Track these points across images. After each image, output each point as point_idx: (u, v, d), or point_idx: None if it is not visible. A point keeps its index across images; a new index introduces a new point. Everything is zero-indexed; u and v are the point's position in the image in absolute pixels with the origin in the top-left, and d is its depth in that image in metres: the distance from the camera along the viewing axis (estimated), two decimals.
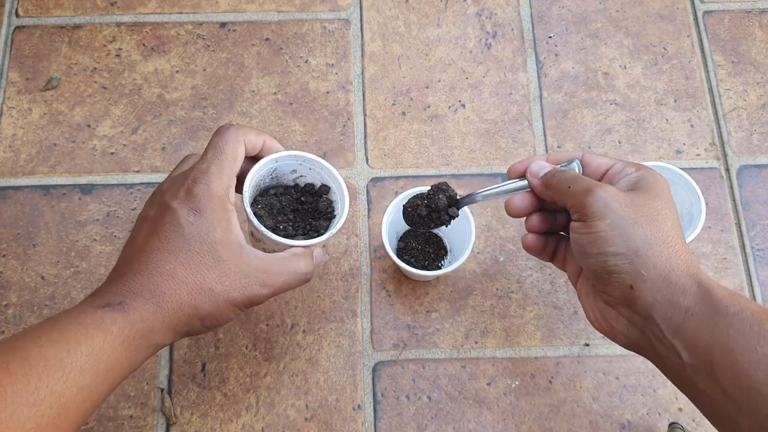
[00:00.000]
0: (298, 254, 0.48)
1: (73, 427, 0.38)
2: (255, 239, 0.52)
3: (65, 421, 0.37)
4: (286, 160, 0.52)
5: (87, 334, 0.39)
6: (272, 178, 0.54)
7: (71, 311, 0.41)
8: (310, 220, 0.54)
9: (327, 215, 0.54)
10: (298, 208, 0.55)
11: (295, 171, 0.55)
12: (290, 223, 0.54)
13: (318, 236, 0.52)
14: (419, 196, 0.56)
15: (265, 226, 0.50)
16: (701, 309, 0.40)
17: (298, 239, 0.51)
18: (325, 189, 0.55)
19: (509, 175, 0.52)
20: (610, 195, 0.44)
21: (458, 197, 0.55)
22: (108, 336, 0.39)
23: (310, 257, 0.49)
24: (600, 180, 0.49)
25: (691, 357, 0.41)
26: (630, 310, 0.43)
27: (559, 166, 0.51)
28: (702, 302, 0.40)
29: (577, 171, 0.50)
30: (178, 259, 0.43)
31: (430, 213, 0.55)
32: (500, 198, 0.53)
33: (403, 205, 0.57)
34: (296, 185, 0.56)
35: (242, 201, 0.49)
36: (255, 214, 0.51)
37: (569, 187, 0.46)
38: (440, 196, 0.54)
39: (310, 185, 0.55)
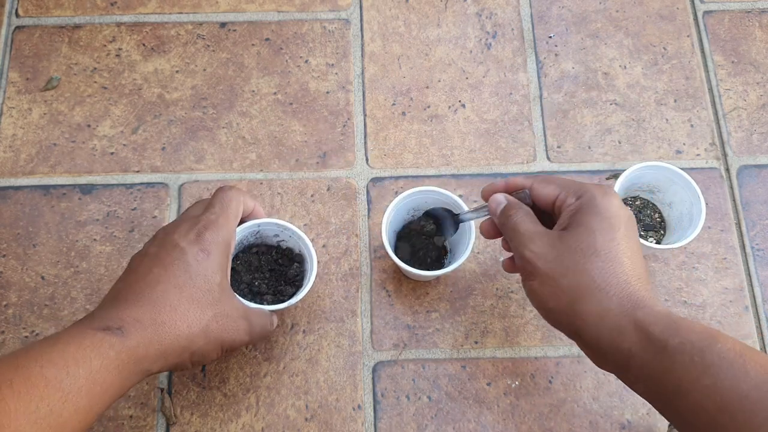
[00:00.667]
0: (263, 313, 0.54)
1: None
2: None
3: None
4: (269, 226, 0.59)
5: (85, 356, 0.40)
6: (256, 237, 0.60)
7: (71, 331, 0.42)
8: (282, 281, 0.60)
9: (295, 283, 0.60)
10: (275, 269, 0.61)
11: (277, 235, 0.60)
12: (265, 281, 0.60)
13: (282, 302, 0.57)
14: (417, 223, 0.63)
15: (242, 281, 0.58)
16: (642, 349, 0.40)
17: (267, 297, 0.58)
18: (299, 258, 0.61)
19: (483, 197, 0.56)
20: (536, 254, 0.45)
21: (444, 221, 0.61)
22: (105, 360, 0.41)
23: (270, 319, 0.55)
24: (551, 210, 0.50)
25: (647, 393, 0.41)
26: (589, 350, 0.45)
27: (513, 194, 0.53)
28: (641, 343, 0.40)
29: (527, 200, 0.52)
30: (182, 293, 0.45)
31: (423, 238, 0.63)
32: (481, 219, 0.57)
33: (409, 226, 0.65)
34: (278, 246, 0.62)
35: None
36: (233, 269, 0.57)
37: (511, 240, 0.49)
38: (429, 225, 0.62)
39: (290, 250, 0.61)
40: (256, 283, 0.59)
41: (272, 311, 0.56)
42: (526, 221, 0.48)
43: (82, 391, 0.39)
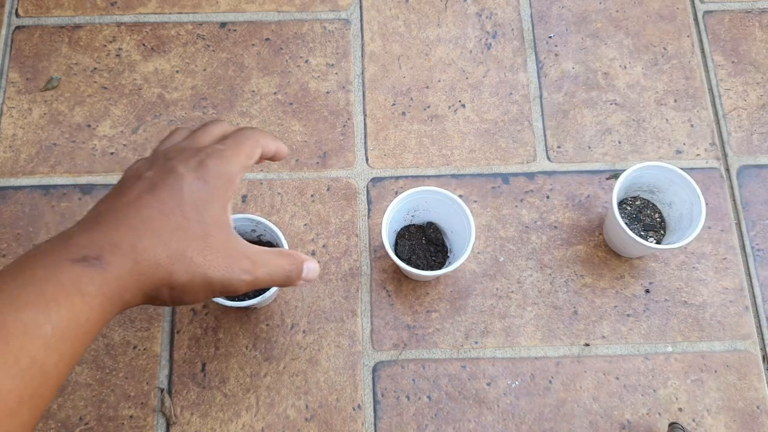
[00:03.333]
0: (283, 253, 0.46)
1: (53, 394, 0.36)
2: None
3: (47, 389, 0.35)
4: (243, 222, 0.60)
5: (66, 296, 0.36)
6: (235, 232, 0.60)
7: (45, 262, 0.37)
8: None
9: None
10: None
11: (254, 230, 0.61)
12: None
13: (254, 297, 0.59)
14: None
15: None
16: None
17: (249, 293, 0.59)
18: None
19: None
20: None
21: None
22: (86, 297, 0.36)
23: (295, 262, 0.47)
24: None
25: None
26: None
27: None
28: None
29: None
30: (167, 220, 0.40)
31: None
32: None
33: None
34: (259, 240, 0.63)
35: None
36: None
37: None
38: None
39: (270, 243, 0.62)
40: None
41: (300, 256, 0.49)
42: None
43: (65, 336, 0.35)
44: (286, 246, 0.59)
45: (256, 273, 0.43)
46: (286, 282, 0.46)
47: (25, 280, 0.36)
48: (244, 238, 0.59)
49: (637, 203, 0.68)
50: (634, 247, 0.63)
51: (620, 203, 0.68)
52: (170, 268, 0.40)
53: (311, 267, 0.47)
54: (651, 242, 0.65)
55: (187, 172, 0.42)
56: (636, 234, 0.64)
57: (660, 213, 0.67)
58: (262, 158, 0.49)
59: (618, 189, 0.62)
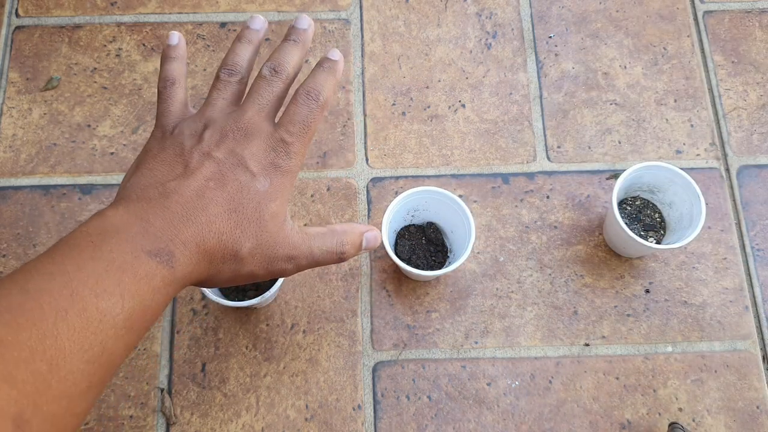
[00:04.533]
0: (330, 233, 0.46)
1: (109, 381, 0.37)
2: None
3: (108, 377, 0.36)
4: None
5: (139, 289, 0.36)
6: None
7: (124, 249, 0.37)
8: None
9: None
10: None
11: None
12: None
13: (254, 297, 0.59)
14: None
15: None
16: None
17: (250, 293, 0.60)
18: None
19: None
20: None
21: None
22: (156, 294, 0.37)
23: (341, 239, 0.46)
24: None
25: None
26: None
27: None
28: None
29: None
30: (229, 218, 0.41)
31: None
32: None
33: None
34: None
35: None
36: None
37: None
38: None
39: None
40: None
41: (356, 228, 0.47)
42: None
43: (132, 327, 0.36)
44: None
45: (299, 263, 0.44)
46: (338, 260, 0.46)
47: (106, 265, 0.36)
48: None
49: (637, 203, 0.68)
50: (633, 247, 0.63)
51: (620, 203, 0.68)
52: (220, 266, 0.41)
53: (369, 237, 0.47)
54: (651, 242, 0.65)
55: (260, 173, 0.42)
56: (636, 234, 0.64)
57: (660, 213, 0.68)
58: None
59: (618, 189, 0.62)
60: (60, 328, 0.32)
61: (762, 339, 0.65)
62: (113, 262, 0.36)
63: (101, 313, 0.34)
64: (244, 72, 0.47)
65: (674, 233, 0.65)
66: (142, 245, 0.38)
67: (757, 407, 0.62)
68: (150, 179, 0.41)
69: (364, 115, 0.73)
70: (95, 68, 0.74)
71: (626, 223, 0.66)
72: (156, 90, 0.73)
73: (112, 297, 0.35)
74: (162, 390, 0.62)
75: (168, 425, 0.61)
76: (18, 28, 0.75)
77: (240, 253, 0.41)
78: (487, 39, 0.76)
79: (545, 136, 0.72)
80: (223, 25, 0.76)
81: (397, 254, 0.65)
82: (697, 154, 0.72)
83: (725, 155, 0.72)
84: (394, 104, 0.73)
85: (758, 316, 0.66)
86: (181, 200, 0.40)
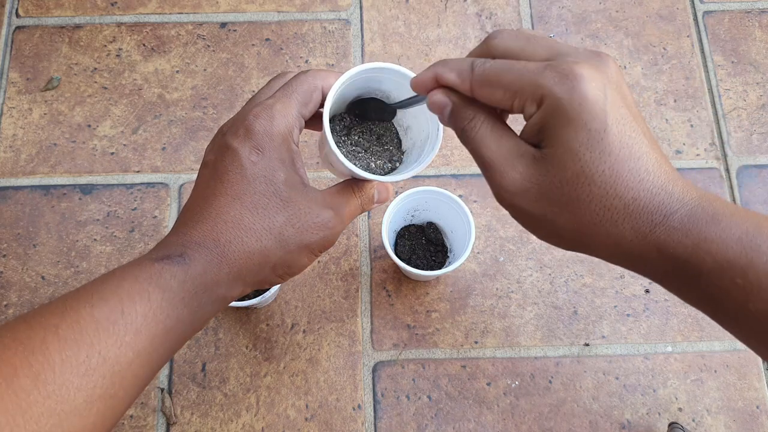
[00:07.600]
0: (350, 190, 0.44)
1: (130, 396, 0.34)
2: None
3: (120, 390, 0.33)
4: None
5: (142, 291, 0.34)
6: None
7: (127, 266, 0.36)
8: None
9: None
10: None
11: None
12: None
13: (254, 297, 0.54)
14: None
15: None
16: (674, 277, 0.33)
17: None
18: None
19: (414, 89, 0.40)
20: (514, 194, 0.37)
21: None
22: (167, 293, 0.35)
23: (360, 194, 0.44)
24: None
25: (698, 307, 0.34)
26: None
27: (407, 100, 0.43)
28: (668, 272, 0.33)
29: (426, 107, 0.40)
30: (243, 204, 0.39)
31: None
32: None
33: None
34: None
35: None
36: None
37: (477, 162, 0.39)
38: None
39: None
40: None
41: (370, 181, 0.44)
42: (489, 141, 0.39)
43: (140, 332, 0.34)
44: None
45: (343, 221, 0.42)
46: (363, 211, 0.44)
47: (104, 278, 0.35)
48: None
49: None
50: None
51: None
52: (263, 250, 0.39)
53: (380, 192, 0.46)
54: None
55: (240, 146, 0.40)
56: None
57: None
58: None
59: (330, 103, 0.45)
60: (49, 342, 0.31)
61: None
62: (113, 274, 0.35)
63: (96, 321, 0.33)
64: None
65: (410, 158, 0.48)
66: (149, 256, 0.37)
67: (757, 407, 0.62)
68: (180, 214, 0.42)
69: None
70: (95, 68, 0.74)
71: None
72: (156, 90, 0.73)
73: (107, 304, 0.33)
74: (162, 390, 0.62)
75: (168, 425, 0.61)
76: (18, 28, 0.75)
77: (274, 229, 0.39)
78: None
79: None
80: (223, 25, 0.76)
81: (397, 254, 0.65)
82: (697, 154, 0.72)
83: (725, 155, 0.72)
84: None
85: None
86: (190, 212, 0.39)
